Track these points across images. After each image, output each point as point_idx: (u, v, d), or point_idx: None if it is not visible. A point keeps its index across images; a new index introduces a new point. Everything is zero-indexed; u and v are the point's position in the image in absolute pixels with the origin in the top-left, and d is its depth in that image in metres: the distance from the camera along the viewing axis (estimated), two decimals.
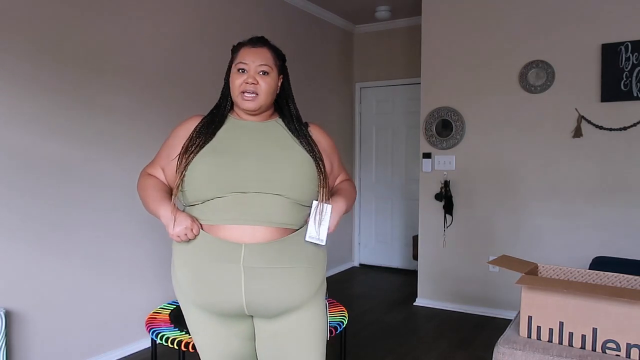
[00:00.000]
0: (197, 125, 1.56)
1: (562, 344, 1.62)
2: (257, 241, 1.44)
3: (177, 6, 3.56)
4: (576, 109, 3.73)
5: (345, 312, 2.63)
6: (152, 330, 2.58)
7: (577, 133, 3.71)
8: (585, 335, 1.57)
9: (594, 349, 1.56)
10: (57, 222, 2.86)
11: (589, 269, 2.34)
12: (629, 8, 3.55)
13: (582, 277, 1.83)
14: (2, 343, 2.47)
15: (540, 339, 1.66)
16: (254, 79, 1.51)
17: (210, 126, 1.54)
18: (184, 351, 2.43)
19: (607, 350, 1.54)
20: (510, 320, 3.79)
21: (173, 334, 2.51)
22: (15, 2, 2.64)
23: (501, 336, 1.73)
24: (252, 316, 1.54)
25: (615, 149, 3.62)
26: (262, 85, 1.52)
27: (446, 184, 4.20)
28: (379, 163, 5.74)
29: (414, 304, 4.39)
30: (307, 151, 1.54)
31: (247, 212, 1.44)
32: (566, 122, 3.76)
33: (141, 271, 3.35)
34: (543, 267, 1.93)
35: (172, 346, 2.43)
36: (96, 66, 3.04)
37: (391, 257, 5.75)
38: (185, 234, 1.45)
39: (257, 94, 1.51)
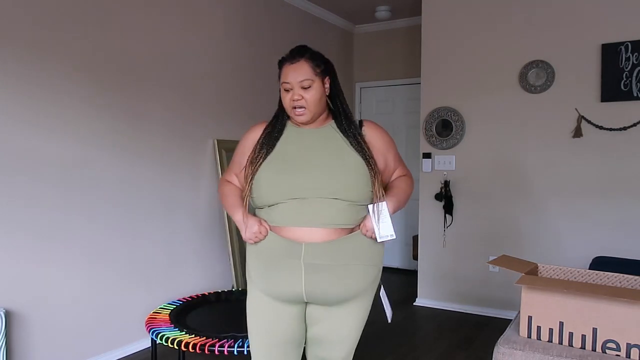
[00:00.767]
0: (261, 136, 1.72)
1: (562, 344, 1.62)
2: (315, 241, 1.61)
3: (175, 5, 3.56)
4: (576, 109, 3.73)
5: None
6: (152, 330, 2.59)
7: (577, 133, 3.71)
8: (585, 335, 1.57)
9: (594, 349, 1.56)
10: (57, 222, 2.86)
11: (589, 269, 2.34)
12: (629, 8, 3.55)
13: (582, 277, 1.83)
14: (2, 343, 2.47)
15: (540, 339, 1.66)
16: (299, 95, 1.64)
17: (271, 137, 1.70)
18: (184, 351, 2.43)
19: (607, 350, 1.54)
20: (510, 320, 3.79)
21: (173, 333, 2.52)
22: (15, 2, 2.64)
23: (501, 336, 1.73)
24: (307, 302, 1.72)
25: (615, 149, 3.62)
26: (308, 98, 1.64)
27: (446, 184, 4.20)
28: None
29: (414, 304, 4.39)
30: (357, 152, 1.65)
31: (305, 215, 1.61)
32: (566, 122, 3.76)
33: (141, 271, 3.35)
34: (543, 267, 1.93)
35: (172, 346, 2.43)
36: (96, 67, 3.04)
37: (391, 257, 5.75)
38: (256, 237, 1.65)
39: (305, 107, 1.65)
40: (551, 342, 1.64)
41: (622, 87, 3.54)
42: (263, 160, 1.65)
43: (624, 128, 3.58)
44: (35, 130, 2.75)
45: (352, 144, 1.66)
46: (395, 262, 5.72)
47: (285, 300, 1.67)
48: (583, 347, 1.58)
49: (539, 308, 1.65)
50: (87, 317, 3.03)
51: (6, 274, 2.64)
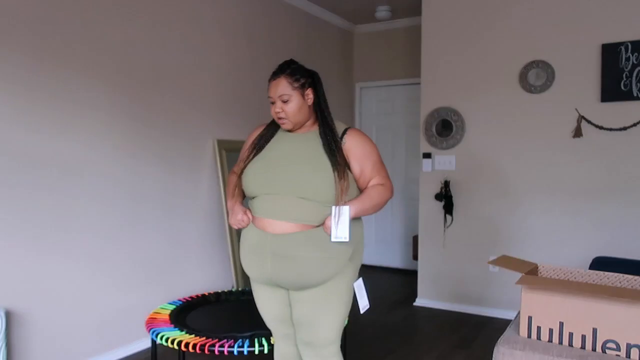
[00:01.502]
0: (256, 137, 1.99)
1: (562, 344, 1.62)
2: (280, 232, 1.82)
3: (175, 6, 3.56)
4: (576, 109, 3.73)
5: None
6: (152, 331, 2.59)
7: (577, 133, 3.71)
8: (585, 335, 1.57)
9: (594, 349, 1.56)
10: (57, 222, 2.86)
11: (589, 269, 2.34)
12: (629, 8, 3.55)
13: (582, 277, 1.83)
14: (2, 343, 2.47)
15: (540, 339, 1.66)
16: (280, 108, 1.86)
17: (262, 140, 1.96)
18: (184, 351, 2.43)
19: (607, 350, 1.54)
20: (510, 320, 3.80)
21: (173, 334, 2.52)
22: (14, 3, 2.64)
23: (501, 336, 1.73)
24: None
25: (615, 149, 3.62)
26: (287, 110, 1.86)
27: (446, 184, 4.20)
28: None
29: (414, 304, 4.39)
30: (329, 159, 1.82)
31: (275, 209, 1.83)
32: (566, 122, 3.77)
33: (141, 271, 3.35)
34: (543, 267, 1.93)
35: (172, 346, 2.43)
36: (95, 67, 3.04)
37: (391, 257, 5.75)
38: (238, 224, 1.91)
39: (286, 118, 1.87)
40: (551, 342, 1.64)
41: (622, 87, 3.54)
42: (253, 158, 1.92)
43: (624, 128, 3.58)
44: (35, 130, 2.75)
45: (325, 151, 1.84)
46: (395, 262, 5.72)
47: (264, 283, 1.94)
48: (583, 347, 1.58)
49: (539, 308, 1.65)
50: (87, 317, 3.04)
51: (6, 274, 2.64)
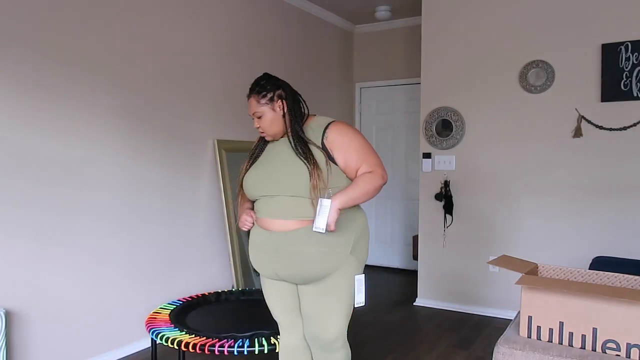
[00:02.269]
0: (251, 149, 2.17)
1: (562, 344, 1.62)
2: (279, 229, 1.97)
3: (176, 6, 3.56)
4: (576, 109, 3.73)
5: None
6: (152, 330, 2.59)
7: (577, 133, 3.71)
8: (585, 335, 1.57)
9: (594, 349, 1.56)
10: (57, 222, 2.86)
11: (589, 269, 2.34)
12: (629, 8, 3.55)
13: (582, 277, 1.83)
14: (2, 343, 2.47)
15: (540, 339, 1.66)
16: (257, 123, 2.05)
17: (256, 150, 2.14)
18: (184, 351, 2.43)
19: (607, 350, 1.54)
20: (510, 320, 3.80)
21: (173, 333, 2.52)
22: (16, 2, 2.64)
23: (501, 336, 1.73)
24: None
25: (615, 149, 3.62)
26: (262, 124, 2.03)
27: (446, 184, 4.20)
28: None
29: (414, 304, 4.39)
30: (302, 160, 1.93)
31: (271, 209, 1.98)
32: (566, 122, 3.76)
33: (141, 271, 3.35)
34: (543, 267, 1.93)
35: (172, 346, 2.43)
36: (96, 66, 3.04)
37: (391, 257, 5.75)
38: (244, 225, 2.09)
39: (264, 132, 2.05)
40: (551, 342, 1.64)
41: (622, 87, 3.54)
42: (249, 168, 2.10)
43: (624, 128, 3.58)
44: (35, 130, 2.75)
45: (296, 153, 1.96)
46: (395, 262, 5.72)
47: (270, 277, 2.08)
48: (583, 347, 1.58)
49: (539, 308, 1.65)
50: (87, 317, 3.04)
51: (6, 274, 2.64)
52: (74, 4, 2.91)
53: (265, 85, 2.07)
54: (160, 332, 2.54)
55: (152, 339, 2.64)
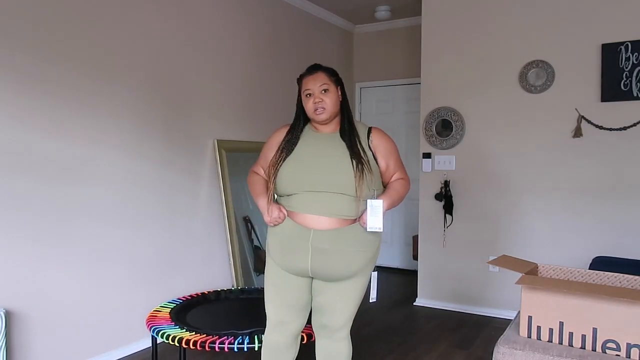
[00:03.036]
0: (282, 140, 2.10)
1: (562, 344, 1.62)
2: (322, 228, 1.96)
3: (176, 6, 3.56)
4: (576, 109, 3.73)
5: None
6: (152, 328, 2.61)
7: (577, 133, 3.71)
8: (585, 335, 1.58)
9: (594, 349, 1.56)
10: (57, 222, 2.86)
11: (589, 269, 2.34)
12: (629, 8, 3.55)
13: (582, 277, 1.83)
14: (2, 343, 2.48)
15: (540, 339, 1.66)
16: (319, 98, 2.02)
17: (290, 143, 2.07)
18: (184, 348, 2.45)
19: (607, 350, 1.54)
20: (510, 320, 3.80)
21: (174, 331, 2.54)
22: (16, 1, 2.64)
23: (501, 336, 1.74)
24: (312, 277, 2.09)
25: (615, 149, 3.62)
26: (326, 100, 2.03)
27: (446, 184, 4.20)
28: None
29: (414, 304, 4.39)
30: (355, 158, 1.97)
31: (314, 205, 1.97)
32: (566, 122, 3.76)
33: (141, 271, 3.35)
34: (543, 267, 1.93)
35: (172, 343, 2.45)
36: (96, 65, 3.04)
37: (391, 257, 5.75)
38: (276, 221, 2.02)
39: (324, 108, 2.02)
40: (551, 342, 1.64)
41: (622, 87, 3.54)
42: (283, 162, 2.04)
43: (624, 128, 3.58)
44: (35, 129, 2.75)
45: (348, 148, 2.00)
46: (395, 262, 5.72)
47: (294, 273, 2.05)
48: (583, 347, 1.58)
49: (539, 308, 1.65)
50: (88, 317, 3.03)
51: (6, 274, 2.64)
52: (74, 3, 2.91)
53: (331, 69, 2.11)
54: (161, 330, 2.57)
55: (152, 336, 2.67)
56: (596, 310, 1.55)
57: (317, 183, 1.96)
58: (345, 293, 2.05)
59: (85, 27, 2.98)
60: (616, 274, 1.78)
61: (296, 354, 2.18)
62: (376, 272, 2.12)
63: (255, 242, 4.08)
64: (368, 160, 1.99)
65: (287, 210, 2.03)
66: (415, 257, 4.54)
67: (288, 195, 2.03)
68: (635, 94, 3.50)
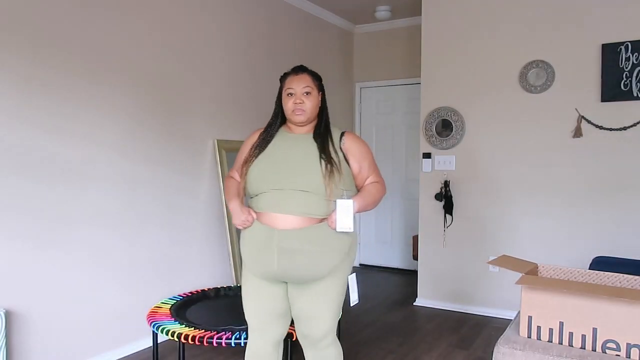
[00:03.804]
0: (257, 140, 2.11)
1: (562, 344, 1.62)
2: (287, 227, 1.93)
3: (175, 6, 3.56)
4: (576, 109, 3.73)
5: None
6: (153, 324, 2.65)
7: (577, 133, 3.71)
8: (585, 335, 1.57)
9: (594, 349, 1.56)
10: (57, 221, 2.86)
11: (589, 269, 2.34)
12: (629, 8, 3.55)
13: (582, 277, 1.83)
14: (2, 343, 2.48)
15: (540, 339, 1.66)
16: (300, 99, 2.02)
17: (264, 141, 2.08)
18: (184, 343, 2.50)
19: (607, 350, 1.54)
20: (510, 320, 3.80)
21: (174, 326, 2.60)
22: (14, 3, 2.64)
23: (501, 336, 1.74)
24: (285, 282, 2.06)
25: (615, 149, 3.62)
26: (307, 102, 2.03)
27: (446, 184, 4.20)
28: (379, 163, 5.68)
29: (414, 304, 4.39)
30: (324, 157, 1.97)
31: (281, 203, 1.94)
32: (566, 122, 3.76)
33: (141, 271, 3.35)
34: (543, 267, 1.93)
35: (172, 338, 2.50)
36: (95, 66, 3.04)
37: (391, 257, 5.75)
38: (243, 224, 2.00)
39: (304, 110, 2.02)
40: (551, 342, 1.64)
41: (622, 87, 3.54)
42: (255, 159, 2.04)
43: (624, 128, 3.58)
44: (35, 129, 2.75)
45: (318, 148, 2.00)
46: (395, 262, 5.72)
47: (266, 278, 2.02)
48: (583, 347, 1.58)
49: (539, 308, 1.65)
50: (88, 316, 3.03)
51: (6, 274, 2.64)
52: (75, 3, 2.91)
53: (316, 74, 2.13)
54: (161, 325, 2.64)
55: (153, 331, 2.70)
56: (596, 310, 1.55)
57: (285, 181, 1.95)
58: (320, 298, 2.00)
59: (84, 28, 2.97)
60: (616, 274, 1.78)
61: None
62: (354, 274, 2.07)
63: None
64: (339, 162, 1.98)
65: (256, 213, 2.01)
66: (415, 257, 4.54)
67: (257, 195, 2.03)
68: (635, 94, 3.50)
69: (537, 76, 3.84)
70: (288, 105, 2.04)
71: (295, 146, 2.04)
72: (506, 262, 1.92)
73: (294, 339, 2.48)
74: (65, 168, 2.89)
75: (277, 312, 2.08)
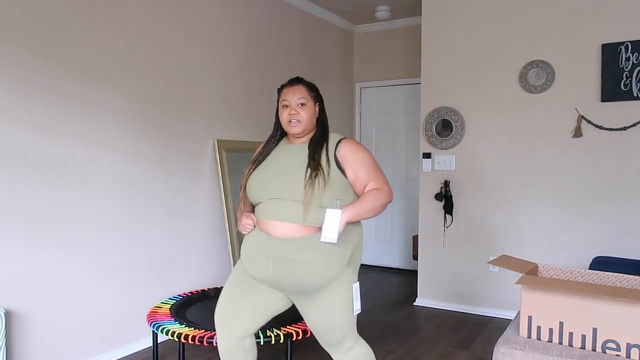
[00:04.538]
0: (257, 153, 2.17)
1: (562, 344, 1.62)
2: (283, 235, 1.94)
3: (175, 6, 3.56)
4: (576, 109, 3.73)
5: None
6: (153, 324, 2.66)
7: (577, 133, 3.71)
8: (585, 335, 1.58)
9: (594, 349, 1.56)
10: (57, 221, 2.86)
11: (589, 269, 2.34)
12: (629, 8, 3.55)
13: (582, 277, 1.83)
14: (2, 343, 2.48)
15: (540, 339, 1.66)
16: (295, 110, 2.03)
17: (262, 154, 2.14)
18: (183, 343, 2.50)
19: (607, 350, 1.54)
20: (510, 320, 3.79)
21: (173, 326, 2.60)
22: (18, 3, 2.64)
23: (501, 336, 1.74)
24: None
25: (615, 149, 3.62)
26: (302, 113, 2.03)
27: (446, 184, 4.20)
28: (379, 163, 5.68)
29: (414, 304, 4.39)
30: (308, 166, 1.96)
31: (276, 212, 1.96)
32: (566, 122, 3.76)
33: (141, 271, 3.35)
34: (543, 267, 1.93)
35: (172, 338, 2.50)
36: (96, 66, 3.04)
37: (391, 257, 5.75)
38: (244, 228, 2.08)
39: (299, 121, 2.03)
40: (551, 342, 1.64)
41: (622, 87, 3.54)
42: (254, 170, 2.09)
43: (624, 128, 3.58)
44: (35, 129, 2.75)
45: (308, 158, 1.99)
46: (395, 262, 5.72)
47: (260, 282, 2.05)
48: (583, 347, 1.58)
49: (539, 308, 1.65)
50: (88, 316, 3.03)
51: (6, 274, 2.64)
52: (76, 6, 2.91)
53: (311, 84, 2.14)
54: (161, 325, 2.64)
55: (153, 331, 2.71)
56: (596, 310, 1.55)
57: (280, 191, 1.97)
58: (329, 311, 1.98)
59: (84, 28, 2.97)
60: (616, 274, 1.78)
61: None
62: (357, 283, 2.03)
63: None
64: (328, 170, 1.95)
65: (257, 219, 2.05)
66: (415, 257, 4.54)
67: (257, 204, 2.07)
68: (635, 94, 3.50)
69: (537, 76, 3.84)
70: (283, 116, 2.06)
71: (290, 156, 2.05)
72: (506, 262, 1.92)
73: (294, 339, 2.49)
74: (65, 169, 2.89)
75: (253, 305, 2.05)
